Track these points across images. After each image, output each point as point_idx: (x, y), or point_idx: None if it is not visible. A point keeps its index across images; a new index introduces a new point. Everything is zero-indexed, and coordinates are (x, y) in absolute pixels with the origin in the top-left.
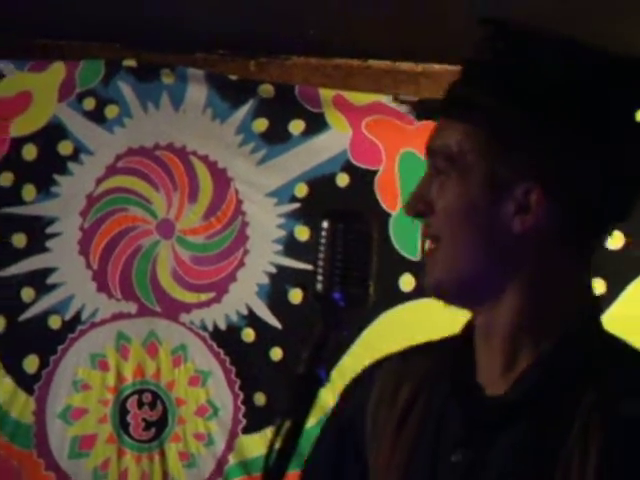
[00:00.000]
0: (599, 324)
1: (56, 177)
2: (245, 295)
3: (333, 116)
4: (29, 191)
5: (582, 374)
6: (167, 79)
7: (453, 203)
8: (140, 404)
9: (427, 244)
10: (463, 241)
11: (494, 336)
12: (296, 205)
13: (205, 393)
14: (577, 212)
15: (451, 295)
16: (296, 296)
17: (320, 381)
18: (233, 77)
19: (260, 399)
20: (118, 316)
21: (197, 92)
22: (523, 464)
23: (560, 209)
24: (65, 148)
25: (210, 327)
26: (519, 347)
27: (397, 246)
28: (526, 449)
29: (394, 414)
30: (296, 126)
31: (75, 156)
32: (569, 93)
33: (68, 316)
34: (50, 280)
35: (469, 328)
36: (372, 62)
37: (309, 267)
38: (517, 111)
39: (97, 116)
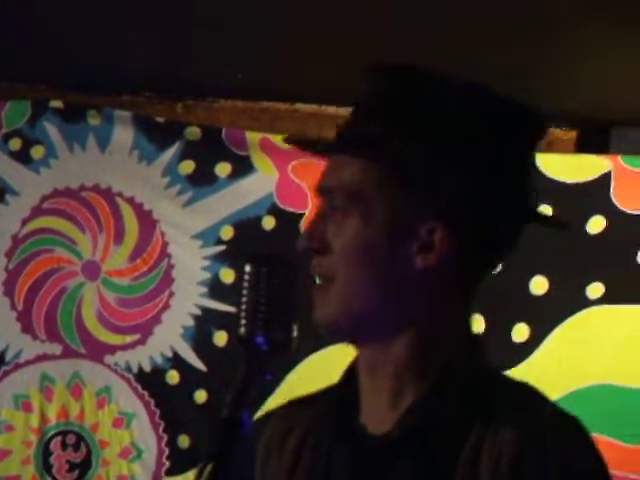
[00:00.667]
0: (478, 360)
1: None
2: (170, 337)
3: (259, 159)
4: None
5: (464, 408)
6: (93, 120)
7: (351, 242)
8: (64, 446)
9: (318, 280)
10: (360, 281)
11: (381, 373)
12: (222, 247)
13: (129, 435)
14: (475, 248)
15: (344, 332)
16: (221, 338)
17: (243, 425)
18: (160, 119)
19: (184, 441)
20: (42, 357)
21: (124, 134)
22: None
23: (461, 245)
24: None
25: (135, 369)
26: (404, 384)
27: None
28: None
29: (283, 464)
30: (222, 169)
31: (1, 197)
32: (465, 129)
33: None
34: None
35: (351, 370)
36: (299, 105)
37: (234, 309)
38: (415, 144)
39: (23, 156)
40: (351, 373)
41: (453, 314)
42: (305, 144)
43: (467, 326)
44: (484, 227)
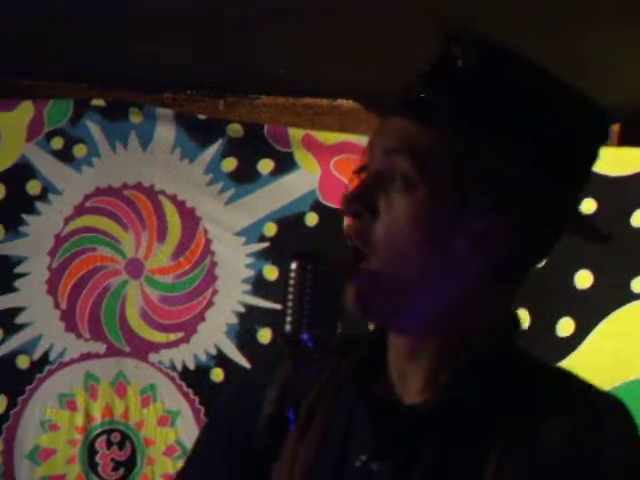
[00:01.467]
0: (515, 346)
1: (24, 217)
2: (214, 335)
3: (302, 155)
4: None
5: (500, 388)
6: (135, 118)
7: (408, 214)
8: (109, 444)
9: (355, 244)
10: (406, 257)
11: (419, 356)
12: (265, 244)
13: (174, 433)
14: (525, 243)
15: (379, 312)
16: (265, 336)
17: (288, 421)
18: (202, 116)
19: None
20: (86, 356)
21: (166, 131)
22: (444, 472)
23: (513, 238)
24: (33, 188)
25: (179, 367)
26: (442, 364)
27: None
28: (447, 457)
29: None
30: (265, 165)
31: (43, 196)
32: (541, 119)
33: (36, 356)
34: (18, 320)
35: (378, 337)
36: (340, 101)
37: (278, 307)
38: (492, 126)
39: (65, 155)
40: (378, 339)
41: (494, 303)
42: (370, 102)
43: (505, 315)
44: (538, 224)
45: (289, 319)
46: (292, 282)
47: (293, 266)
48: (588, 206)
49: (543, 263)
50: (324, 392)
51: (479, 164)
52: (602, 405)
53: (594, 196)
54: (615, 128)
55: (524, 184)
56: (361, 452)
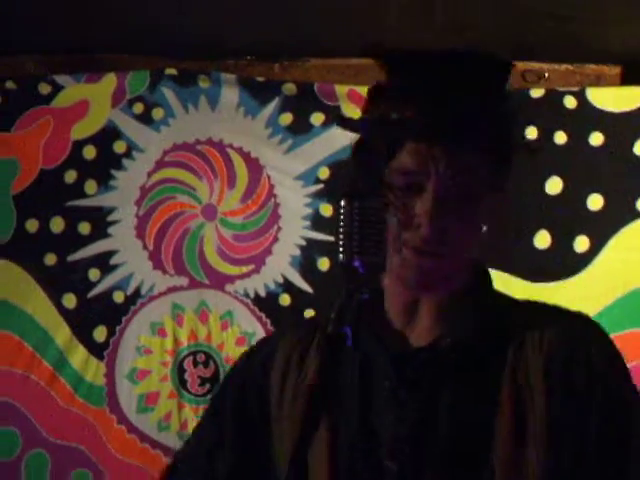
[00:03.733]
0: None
1: (113, 172)
2: (280, 266)
3: (348, 108)
4: (91, 186)
5: (503, 322)
6: (204, 83)
7: (471, 236)
8: (195, 363)
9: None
10: (461, 260)
11: (429, 305)
12: (320, 186)
13: None
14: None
15: (438, 290)
16: (324, 264)
17: (346, 338)
18: (260, 79)
19: None
20: (172, 289)
21: (230, 93)
22: (467, 408)
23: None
24: (119, 147)
25: (252, 294)
26: (444, 309)
27: None
28: (468, 392)
29: (305, 375)
30: (317, 118)
31: (128, 153)
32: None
33: (130, 291)
34: (112, 261)
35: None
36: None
37: (333, 239)
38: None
39: (145, 118)
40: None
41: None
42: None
43: (482, 265)
44: (503, 180)
45: (342, 249)
46: (342, 217)
47: (342, 203)
48: (596, 139)
49: (561, 190)
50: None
51: (489, 175)
52: (586, 321)
53: (601, 130)
54: (618, 70)
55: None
56: (386, 380)
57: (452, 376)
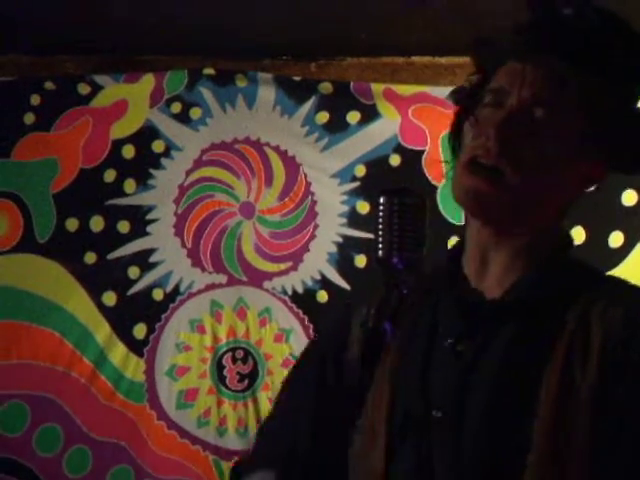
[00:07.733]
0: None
1: (152, 171)
2: (317, 263)
3: (384, 106)
4: (129, 184)
5: (569, 285)
6: (241, 83)
7: (542, 156)
8: (234, 360)
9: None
10: (532, 190)
11: (496, 250)
12: (356, 184)
13: (288, 348)
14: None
15: (502, 221)
16: (361, 261)
17: (385, 333)
18: (297, 78)
19: None
20: (211, 286)
21: (267, 92)
22: (519, 355)
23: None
24: (158, 146)
25: (289, 291)
26: (515, 262)
27: (444, 214)
28: (523, 342)
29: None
30: (353, 117)
31: (167, 153)
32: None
33: (169, 289)
34: (152, 259)
35: (455, 251)
36: (415, 58)
37: (370, 236)
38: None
39: (183, 117)
40: (455, 253)
41: (561, 220)
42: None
43: (564, 230)
44: (630, 167)
45: (380, 246)
46: (381, 214)
47: (381, 200)
48: None
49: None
50: (409, 306)
51: (601, 119)
52: None
53: None
54: None
55: (632, 137)
56: (448, 337)
57: (509, 330)
